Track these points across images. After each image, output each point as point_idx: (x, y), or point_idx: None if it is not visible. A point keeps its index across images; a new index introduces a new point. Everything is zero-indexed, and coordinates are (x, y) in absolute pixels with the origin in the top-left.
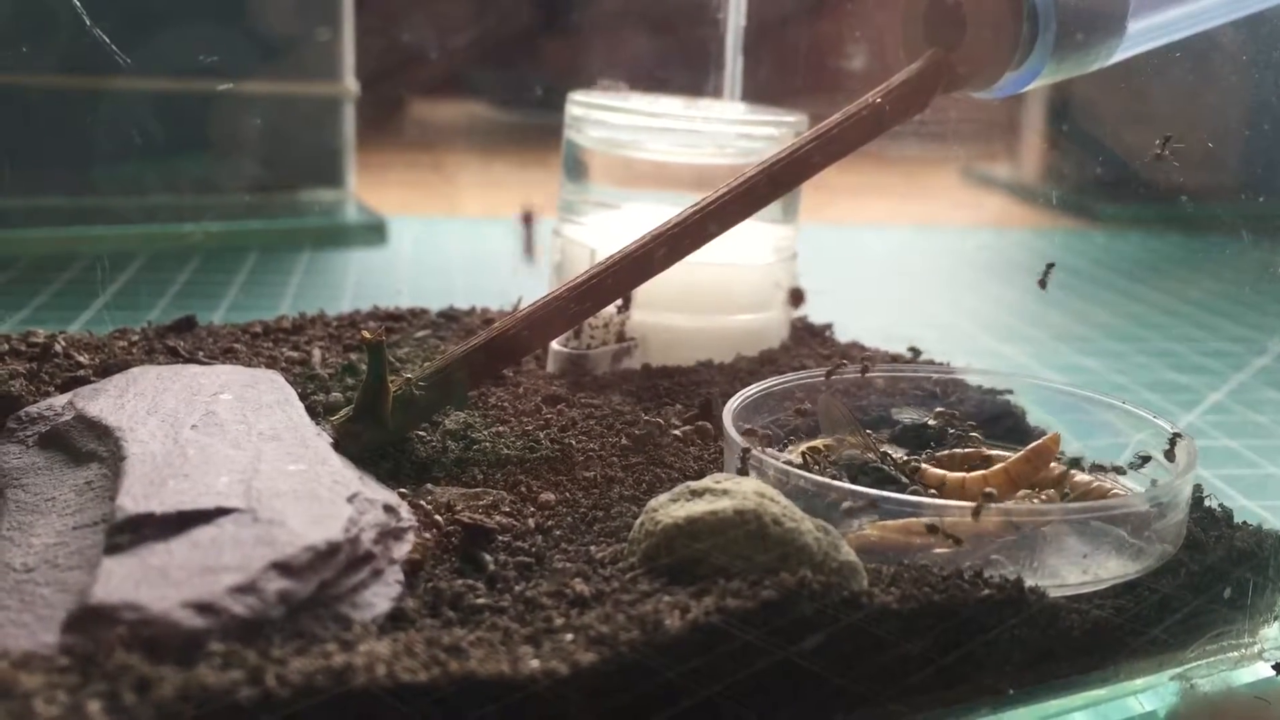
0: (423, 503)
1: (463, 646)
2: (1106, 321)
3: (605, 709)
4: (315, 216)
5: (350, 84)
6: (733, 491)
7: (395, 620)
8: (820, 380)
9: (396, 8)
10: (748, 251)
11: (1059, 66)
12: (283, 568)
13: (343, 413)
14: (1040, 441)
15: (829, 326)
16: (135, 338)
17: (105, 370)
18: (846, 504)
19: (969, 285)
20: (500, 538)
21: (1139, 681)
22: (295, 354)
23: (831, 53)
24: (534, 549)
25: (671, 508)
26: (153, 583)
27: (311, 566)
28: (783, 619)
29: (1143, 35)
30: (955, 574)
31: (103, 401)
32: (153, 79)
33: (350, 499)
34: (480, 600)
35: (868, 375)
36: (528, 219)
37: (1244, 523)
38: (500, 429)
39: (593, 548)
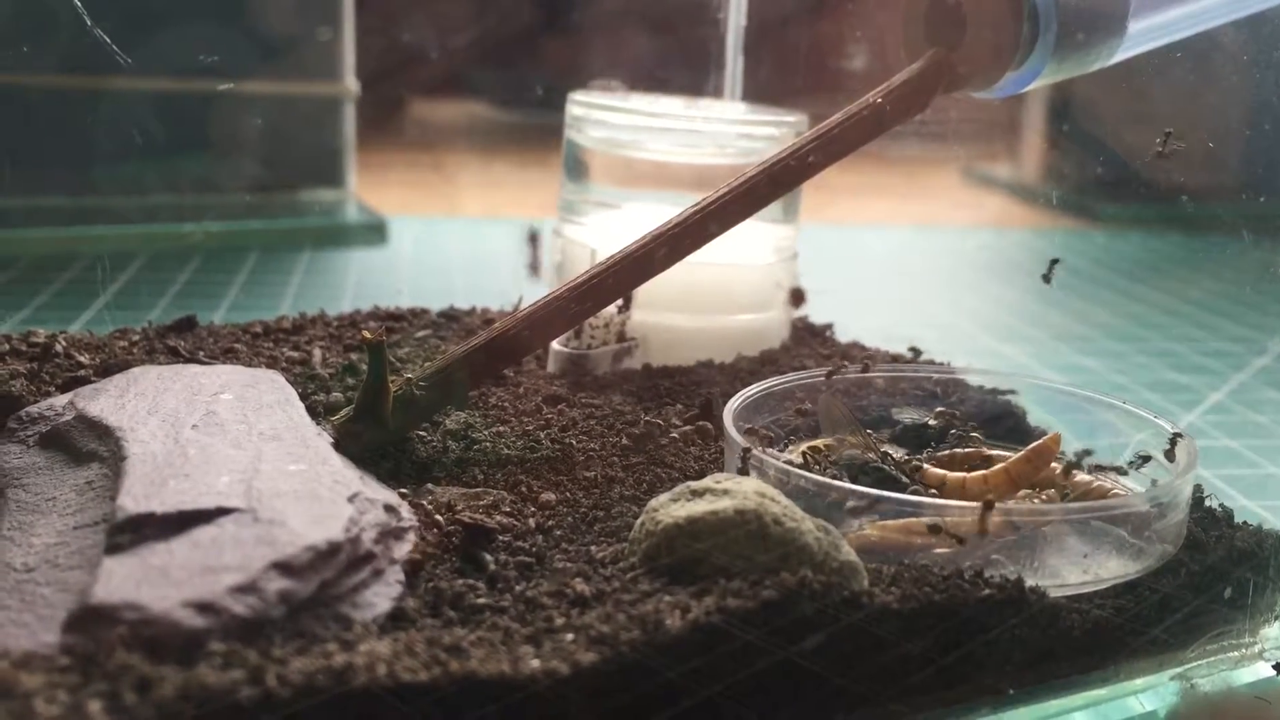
0: (423, 502)
1: (463, 646)
2: (1107, 321)
3: (606, 709)
4: (316, 216)
5: (351, 84)
6: (733, 491)
7: (396, 620)
8: (821, 380)
9: (397, 8)
10: (748, 251)
11: (1060, 66)
12: (283, 567)
13: (343, 413)
14: (1041, 441)
15: (829, 326)
16: (136, 338)
17: (106, 370)
18: (852, 502)
19: (969, 285)
20: (501, 537)
21: (1139, 681)
22: (296, 354)
23: (832, 53)
24: (535, 549)
25: (672, 507)
26: (153, 582)
27: (312, 566)
28: (783, 619)
29: (1143, 35)
30: (956, 574)
31: (103, 401)
32: (153, 79)
33: (351, 499)
34: (481, 600)
35: (868, 375)
36: (533, 238)
37: (1244, 523)
38: (501, 429)
39: (593, 547)
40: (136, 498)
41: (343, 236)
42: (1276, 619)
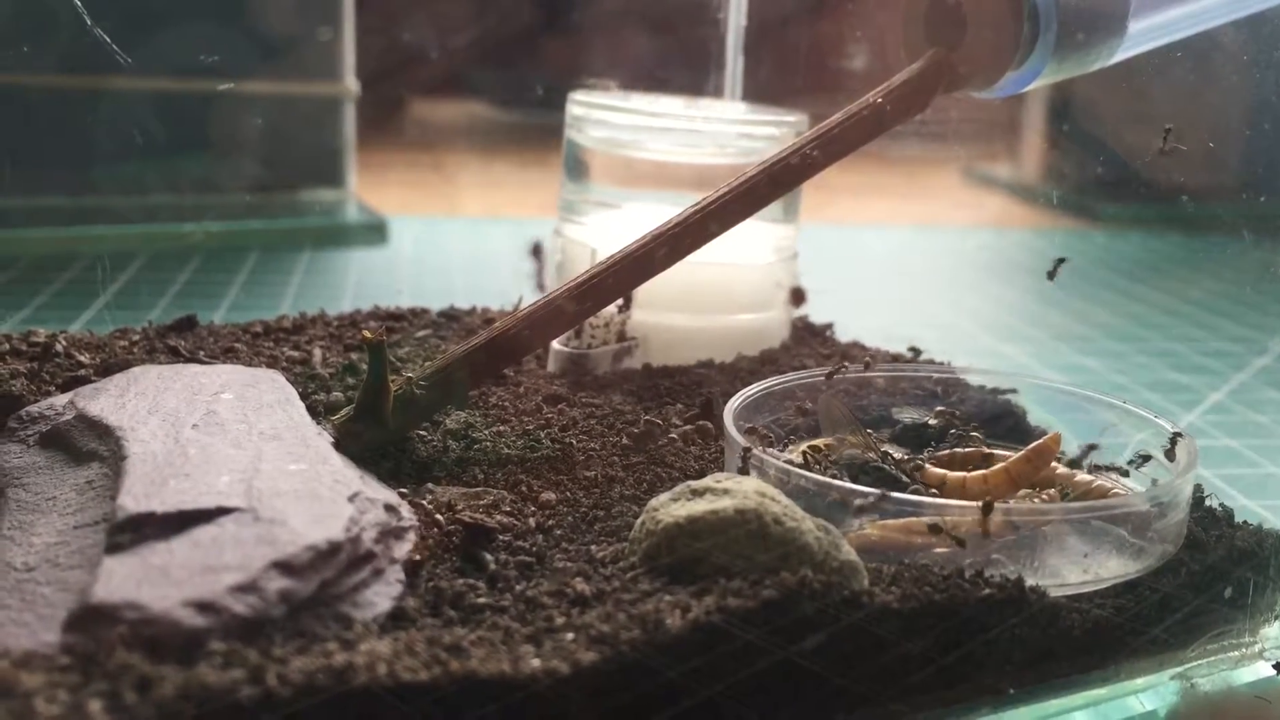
0: (423, 502)
1: (464, 646)
2: (1107, 321)
3: (606, 708)
4: (316, 216)
5: (351, 84)
6: (734, 491)
7: (396, 619)
8: (821, 380)
9: (397, 7)
10: (748, 251)
11: (1060, 66)
12: (284, 567)
13: (343, 412)
14: (1041, 441)
15: (830, 326)
16: (136, 337)
17: (106, 370)
18: (859, 501)
19: (969, 285)
20: (501, 537)
21: (1139, 681)
22: (296, 353)
23: (832, 53)
24: (535, 548)
25: (672, 507)
26: (154, 582)
27: (312, 566)
28: (784, 618)
29: (1144, 35)
30: (956, 573)
31: (103, 401)
32: (153, 79)
33: (351, 498)
34: (481, 599)
35: (868, 375)
36: (537, 251)
37: (1244, 522)
38: (501, 428)
39: (593, 547)
40: (137, 497)
41: (343, 236)
42: (1277, 618)
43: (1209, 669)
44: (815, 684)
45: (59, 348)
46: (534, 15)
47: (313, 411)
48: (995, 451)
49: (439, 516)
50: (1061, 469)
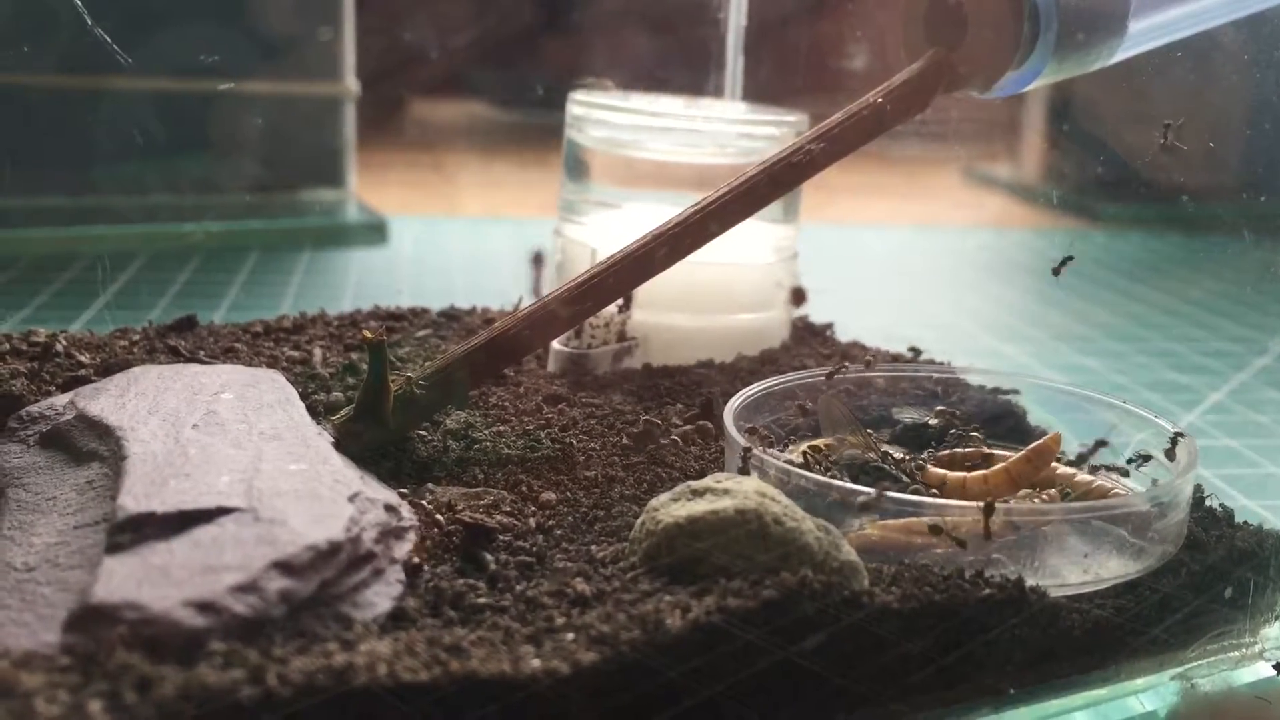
0: (424, 502)
1: (464, 646)
2: (1107, 321)
3: (606, 708)
4: (316, 216)
5: (351, 84)
6: (734, 491)
7: (396, 619)
8: (821, 380)
9: (397, 7)
10: (749, 251)
11: (1060, 66)
12: (284, 567)
13: (344, 412)
14: (1041, 441)
15: (830, 326)
16: (136, 337)
17: (106, 370)
18: (862, 498)
19: (970, 285)
20: (501, 537)
21: (1140, 681)
22: (296, 353)
23: (832, 52)
24: (535, 548)
25: (673, 507)
26: (154, 582)
27: (313, 566)
28: (784, 618)
29: (1144, 35)
30: (956, 574)
31: (104, 401)
32: (153, 79)
33: (351, 498)
34: (481, 600)
35: (868, 375)
36: (537, 260)
37: (1245, 522)
38: (501, 428)
39: (594, 547)
40: (137, 497)
41: (343, 236)
42: (1277, 619)
43: (1209, 669)
44: (815, 684)
45: (59, 348)
46: (534, 15)
47: (313, 411)
48: (995, 452)
49: (439, 516)
50: (1062, 469)
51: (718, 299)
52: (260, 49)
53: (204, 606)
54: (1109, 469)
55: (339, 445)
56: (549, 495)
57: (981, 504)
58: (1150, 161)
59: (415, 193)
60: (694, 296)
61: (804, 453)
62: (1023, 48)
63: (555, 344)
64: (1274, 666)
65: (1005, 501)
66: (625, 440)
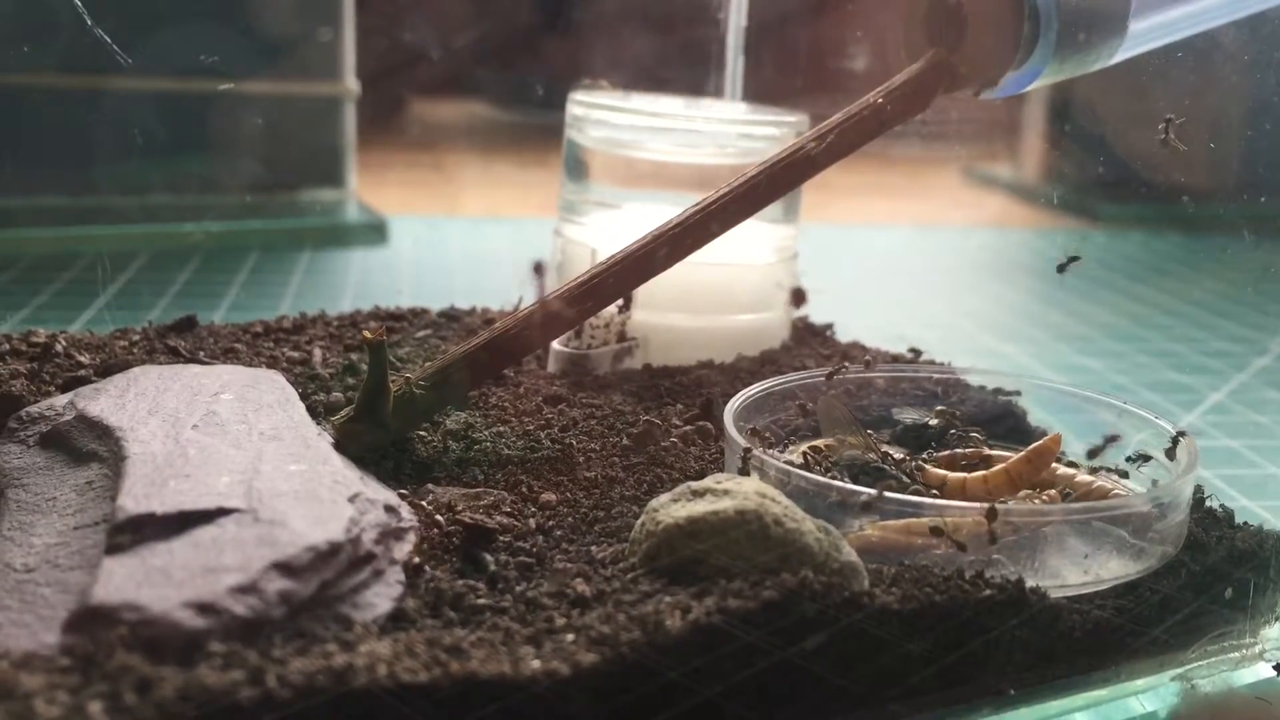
0: (424, 503)
1: (464, 647)
2: (1107, 321)
3: (606, 709)
4: (316, 216)
5: (351, 83)
6: (734, 492)
7: (396, 620)
8: (821, 380)
9: (397, 7)
10: (749, 251)
11: (1060, 66)
12: (284, 568)
13: (344, 413)
14: (1041, 442)
15: (830, 326)
16: (136, 337)
17: (106, 370)
18: (863, 499)
19: (970, 285)
20: (501, 538)
21: (1140, 682)
22: (296, 354)
23: (832, 53)
24: (535, 549)
25: (673, 508)
26: (154, 583)
27: (312, 567)
28: (784, 619)
29: (1144, 35)
30: (956, 574)
31: (103, 401)
32: (153, 79)
33: (351, 499)
34: (481, 600)
35: (868, 375)
36: (539, 269)
37: (1245, 523)
38: (501, 429)
39: (594, 548)
40: (137, 498)
41: (343, 236)
42: (1277, 620)
43: (1209, 670)
44: (815, 685)
45: (59, 348)
46: (534, 15)
47: (313, 412)
48: (995, 452)
49: (439, 517)
50: (1062, 469)
51: (718, 299)
52: (260, 49)
53: (204, 607)
54: (1109, 470)
55: (339, 446)
56: (549, 496)
57: (981, 504)
58: (1150, 161)
59: (415, 193)
60: (694, 297)
61: (804, 453)
62: (1023, 48)
63: (555, 344)
64: (1274, 667)
65: (1005, 502)
66: (625, 441)
